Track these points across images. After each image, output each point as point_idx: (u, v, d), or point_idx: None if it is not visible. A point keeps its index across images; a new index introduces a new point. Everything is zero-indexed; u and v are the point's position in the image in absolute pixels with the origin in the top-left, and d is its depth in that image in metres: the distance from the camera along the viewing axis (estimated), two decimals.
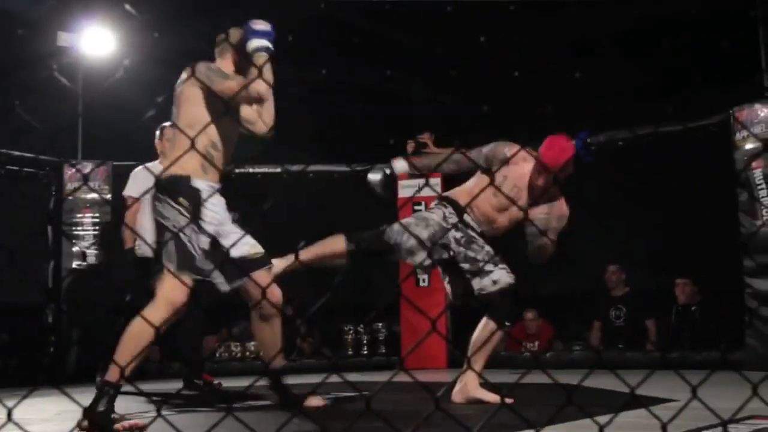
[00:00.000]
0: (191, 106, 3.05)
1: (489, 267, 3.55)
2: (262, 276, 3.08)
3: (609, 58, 6.80)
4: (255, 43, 3.08)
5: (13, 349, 6.42)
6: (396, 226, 3.61)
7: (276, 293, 3.15)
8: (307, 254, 3.55)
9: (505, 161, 3.60)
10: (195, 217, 2.92)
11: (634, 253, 6.72)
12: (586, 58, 7.02)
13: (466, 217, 3.62)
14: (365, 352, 7.19)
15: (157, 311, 2.84)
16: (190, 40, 6.29)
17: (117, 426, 2.70)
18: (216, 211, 3.02)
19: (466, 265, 3.57)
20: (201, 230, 2.94)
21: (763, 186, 5.29)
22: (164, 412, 3.23)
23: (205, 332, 5.95)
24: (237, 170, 6.87)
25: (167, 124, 4.92)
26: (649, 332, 6.42)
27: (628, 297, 6.55)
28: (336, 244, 3.60)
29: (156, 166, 4.90)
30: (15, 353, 6.40)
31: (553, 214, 3.63)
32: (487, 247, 3.62)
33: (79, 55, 6.75)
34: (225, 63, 3.23)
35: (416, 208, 6.92)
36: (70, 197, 6.56)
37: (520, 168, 3.67)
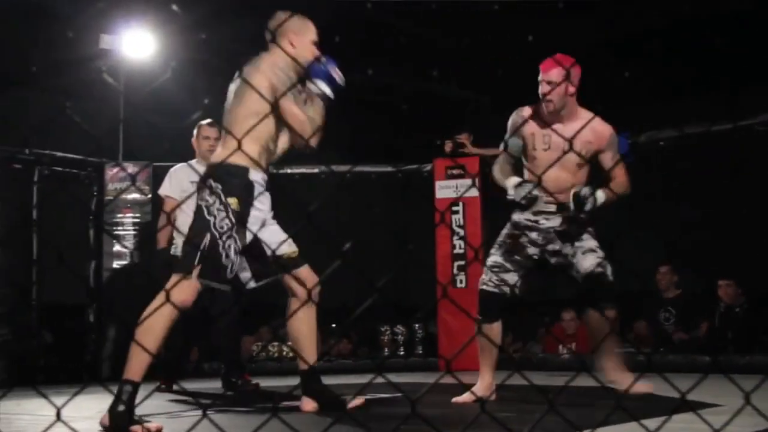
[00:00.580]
0: (256, 98, 2.97)
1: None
2: (304, 272, 3.13)
3: (652, 57, 6.72)
4: (324, 88, 3.16)
5: (57, 348, 6.53)
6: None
7: (317, 289, 3.19)
8: None
9: (524, 121, 3.65)
10: (240, 220, 2.88)
11: (683, 255, 6.61)
12: (630, 57, 6.92)
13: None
14: (402, 353, 7.18)
15: (165, 310, 2.75)
16: (230, 42, 6.35)
17: (134, 428, 2.66)
18: (262, 210, 3.01)
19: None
20: (241, 234, 2.89)
21: None
22: (206, 412, 3.25)
23: (243, 332, 5.98)
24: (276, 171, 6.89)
25: (204, 122, 4.97)
26: (700, 335, 6.29)
27: (680, 299, 6.41)
28: None
29: (194, 164, 4.91)
30: (58, 352, 6.51)
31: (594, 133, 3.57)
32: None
33: (121, 58, 6.85)
34: (286, 47, 3.14)
35: (454, 209, 6.90)
36: (111, 198, 6.65)
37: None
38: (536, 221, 3.64)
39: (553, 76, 3.53)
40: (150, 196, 6.72)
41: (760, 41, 6.32)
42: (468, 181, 6.92)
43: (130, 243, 6.67)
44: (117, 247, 6.65)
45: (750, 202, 6.09)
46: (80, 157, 6.59)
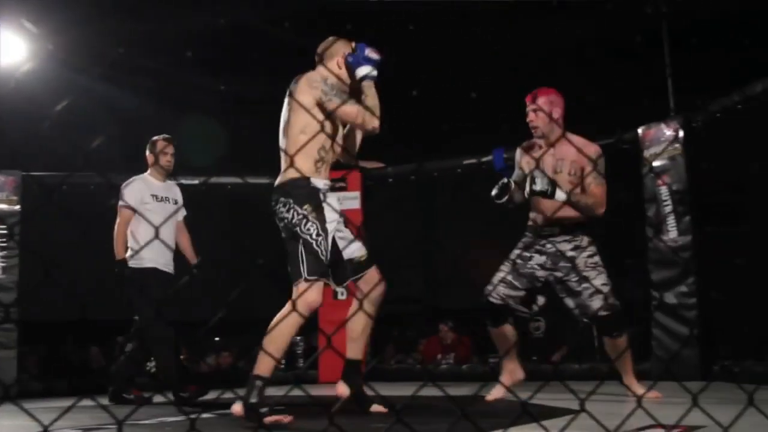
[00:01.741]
0: (303, 114, 3.18)
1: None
2: (373, 273, 3.36)
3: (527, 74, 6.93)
4: (365, 70, 3.29)
5: None
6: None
7: (381, 289, 3.38)
8: None
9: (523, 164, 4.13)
10: (321, 219, 3.12)
11: None
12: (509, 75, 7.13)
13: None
14: (282, 365, 7.12)
15: (296, 314, 2.99)
16: (101, 43, 6.16)
17: (269, 418, 2.94)
18: (334, 209, 3.21)
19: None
20: (325, 233, 3.13)
21: (669, 202, 5.47)
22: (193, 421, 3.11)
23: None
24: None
25: (161, 137, 5.13)
26: (560, 347, 6.53)
27: (547, 308, 6.61)
28: None
29: (147, 177, 5.09)
30: None
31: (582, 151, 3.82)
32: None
33: None
34: (333, 68, 3.37)
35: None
36: None
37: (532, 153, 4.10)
38: (544, 244, 3.97)
39: (536, 105, 3.95)
40: (18, 207, 6.43)
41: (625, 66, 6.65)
42: (352, 194, 6.97)
43: None
44: None
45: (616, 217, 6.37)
46: None
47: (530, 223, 4.09)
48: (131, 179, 5.10)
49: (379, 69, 3.31)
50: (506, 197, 3.85)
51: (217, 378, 6.75)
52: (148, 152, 5.13)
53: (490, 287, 4.00)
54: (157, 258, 4.85)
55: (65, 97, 6.11)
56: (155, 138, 5.14)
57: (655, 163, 5.62)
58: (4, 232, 6.43)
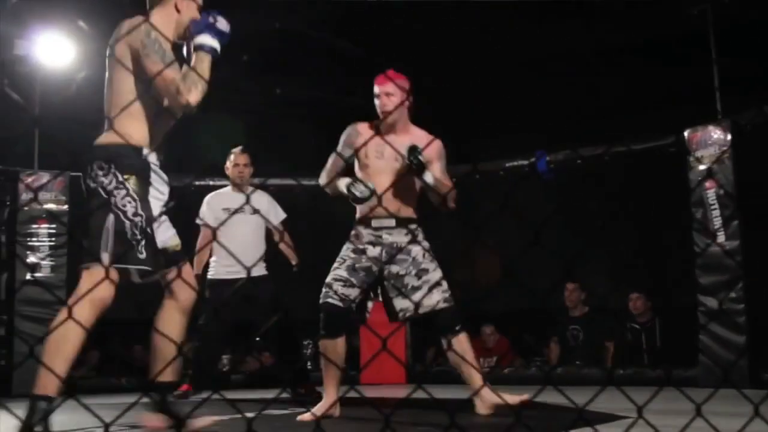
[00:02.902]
0: (124, 72, 2.71)
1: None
2: (188, 269, 2.94)
3: (567, 77, 6.88)
4: (204, 39, 2.71)
5: None
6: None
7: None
8: None
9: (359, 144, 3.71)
10: (142, 199, 2.67)
11: (593, 272, 6.77)
12: (549, 77, 7.08)
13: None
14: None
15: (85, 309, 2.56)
16: None
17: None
18: (162, 196, 2.77)
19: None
20: (144, 215, 2.67)
21: (716, 206, 5.39)
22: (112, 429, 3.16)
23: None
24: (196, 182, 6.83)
25: (236, 149, 5.34)
26: (608, 352, 6.45)
27: (586, 317, 6.55)
28: None
29: (222, 191, 5.40)
30: None
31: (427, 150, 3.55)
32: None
33: (37, 64, 6.66)
34: (165, 15, 2.85)
35: None
36: (26, 208, 6.45)
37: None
38: (379, 236, 3.66)
39: (389, 89, 3.70)
40: (66, 207, 6.56)
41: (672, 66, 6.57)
42: None
43: (44, 254, 6.48)
44: (32, 258, 6.44)
45: (662, 221, 6.31)
46: None
47: (359, 215, 3.73)
48: (211, 194, 5.42)
49: (222, 43, 2.76)
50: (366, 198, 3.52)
51: (259, 378, 6.80)
52: (226, 164, 5.36)
53: (325, 289, 3.63)
54: (218, 268, 5.21)
55: None
56: (233, 149, 5.36)
57: (702, 167, 5.54)
58: (53, 231, 6.56)
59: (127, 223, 2.61)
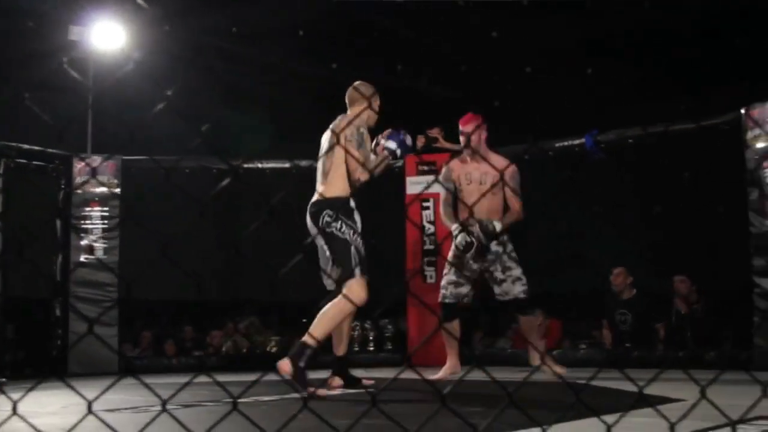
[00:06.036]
0: (338, 149, 4.02)
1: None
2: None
3: (619, 57, 6.77)
4: (391, 144, 4.10)
5: (21, 342, 6.44)
6: None
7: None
8: None
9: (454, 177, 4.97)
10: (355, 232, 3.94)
11: (643, 253, 6.65)
12: (598, 57, 6.98)
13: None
14: (371, 349, 7.19)
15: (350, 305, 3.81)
16: (199, 34, 6.30)
17: (309, 389, 3.53)
18: (357, 225, 3.96)
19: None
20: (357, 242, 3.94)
21: None
22: (168, 407, 3.23)
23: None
24: (245, 165, 6.89)
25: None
26: (659, 335, 6.36)
27: (635, 300, 6.43)
28: None
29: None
30: (23, 347, 6.42)
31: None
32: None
33: (90, 49, 6.77)
34: (361, 115, 4.11)
35: (425, 204, 6.91)
36: (79, 191, 6.58)
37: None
38: (472, 242, 4.68)
39: (469, 129, 4.82)
40: (118, 190, 6.67)
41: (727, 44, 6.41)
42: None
43: (97, 236, 6.61)
44: (85, 241, 6.57)
45: (716, 200, 6.16)
46: (47, 150, 6.49)
47: (460, 247, 4.76)
48: None
49: (403, 153, 4.18)
50: (471, 251, 4.69)
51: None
52: None
53: (442, 291, 4.87)
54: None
55: (165, 84, 6.29)
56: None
57: (759, 145, 5.40)
58: (107, 214, 6.69)
59: (359, 248, 3.87)
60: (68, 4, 6.57)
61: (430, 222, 6.89)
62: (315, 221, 3.95)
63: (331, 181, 3.97)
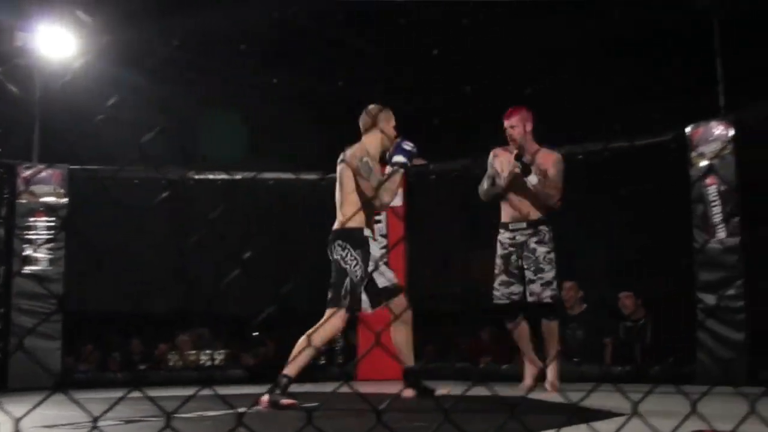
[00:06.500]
0: (351, 179, 4.09)
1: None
2: (402, 299, 4.17)
3: (570, 72, 6.85)
4: (398, 158, 4.05)
5: None
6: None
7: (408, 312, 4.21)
8: None
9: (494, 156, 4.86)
10: (365, 263, 4.01)
11: (594, 268, 6.71)
12: (550, 72, 7.05)
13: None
14: (322, 363, 7.13)
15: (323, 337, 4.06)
16: (148, 41, 6.22)
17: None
18: (374, 254, 4.06)
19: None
20: (365, 272, 4.03)
21: (717, 202, 5.35)
22: (107, 423, 3.15)
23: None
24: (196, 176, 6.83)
25: None
26: (606, 350, 6.40)
27: (585, 315, 6.47)
28: None
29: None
30: None
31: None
32: None
33: (37, 56, 6.63)
34: (371, 140, 4.18)
35: (377, 218, 6.89)
36: (24, 200, 6.42)
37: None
38: (513, 237, 4.70)
39: (513, 122, 4.69)
40: (66, 200, 6.53)
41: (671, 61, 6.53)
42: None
43: (41, 247, 6.45)
44: (29, 251, 6.41)
45: (661, 217, 6.26)
46: None
47: (501, 221, 4.78)
48: None
49: (409, 159, 4.07)
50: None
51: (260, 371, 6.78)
52: None
53: (494, 292, 4.74)
54: None
55: (112, 93, 6.19)
56: None
57: (703, 163, 5.51)
58: (52, 224, 6.53)
59: (356, 281, 3.97)
60: (15, 10, 6.43)
61: (382, 235, 6.87)
62: (329, 249, 4.10)
63: (344, 212, 4.11)
